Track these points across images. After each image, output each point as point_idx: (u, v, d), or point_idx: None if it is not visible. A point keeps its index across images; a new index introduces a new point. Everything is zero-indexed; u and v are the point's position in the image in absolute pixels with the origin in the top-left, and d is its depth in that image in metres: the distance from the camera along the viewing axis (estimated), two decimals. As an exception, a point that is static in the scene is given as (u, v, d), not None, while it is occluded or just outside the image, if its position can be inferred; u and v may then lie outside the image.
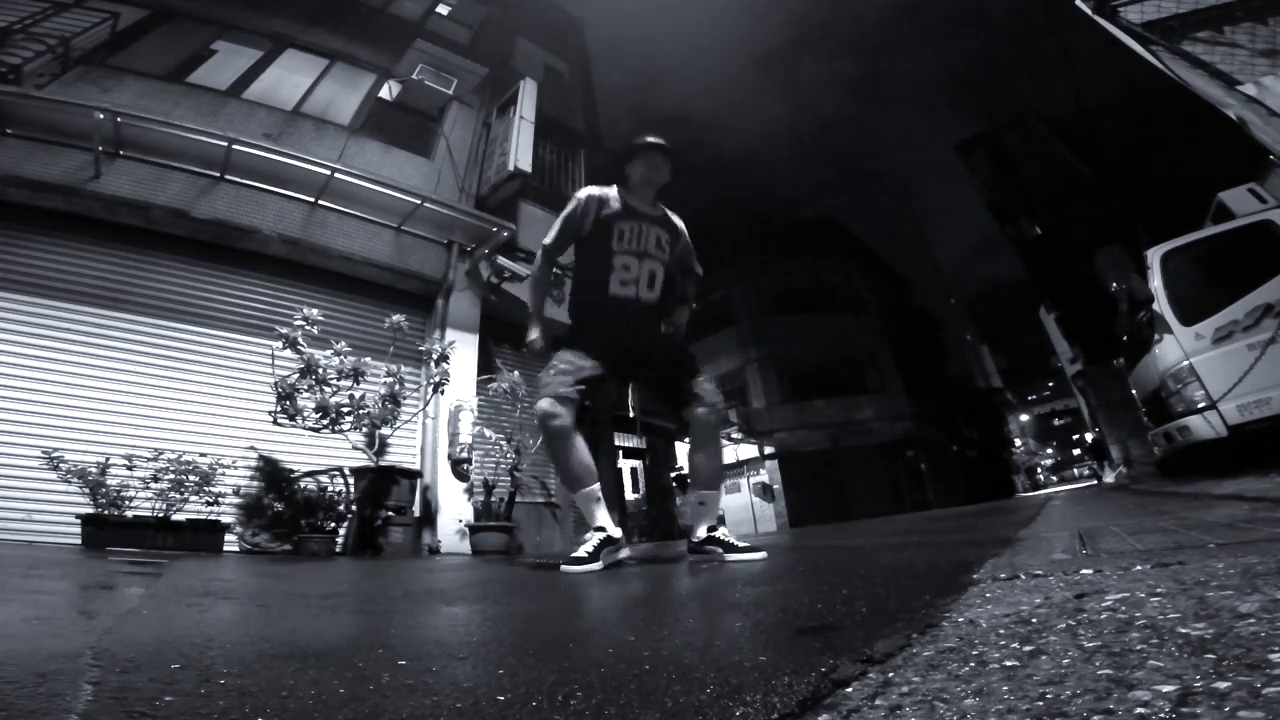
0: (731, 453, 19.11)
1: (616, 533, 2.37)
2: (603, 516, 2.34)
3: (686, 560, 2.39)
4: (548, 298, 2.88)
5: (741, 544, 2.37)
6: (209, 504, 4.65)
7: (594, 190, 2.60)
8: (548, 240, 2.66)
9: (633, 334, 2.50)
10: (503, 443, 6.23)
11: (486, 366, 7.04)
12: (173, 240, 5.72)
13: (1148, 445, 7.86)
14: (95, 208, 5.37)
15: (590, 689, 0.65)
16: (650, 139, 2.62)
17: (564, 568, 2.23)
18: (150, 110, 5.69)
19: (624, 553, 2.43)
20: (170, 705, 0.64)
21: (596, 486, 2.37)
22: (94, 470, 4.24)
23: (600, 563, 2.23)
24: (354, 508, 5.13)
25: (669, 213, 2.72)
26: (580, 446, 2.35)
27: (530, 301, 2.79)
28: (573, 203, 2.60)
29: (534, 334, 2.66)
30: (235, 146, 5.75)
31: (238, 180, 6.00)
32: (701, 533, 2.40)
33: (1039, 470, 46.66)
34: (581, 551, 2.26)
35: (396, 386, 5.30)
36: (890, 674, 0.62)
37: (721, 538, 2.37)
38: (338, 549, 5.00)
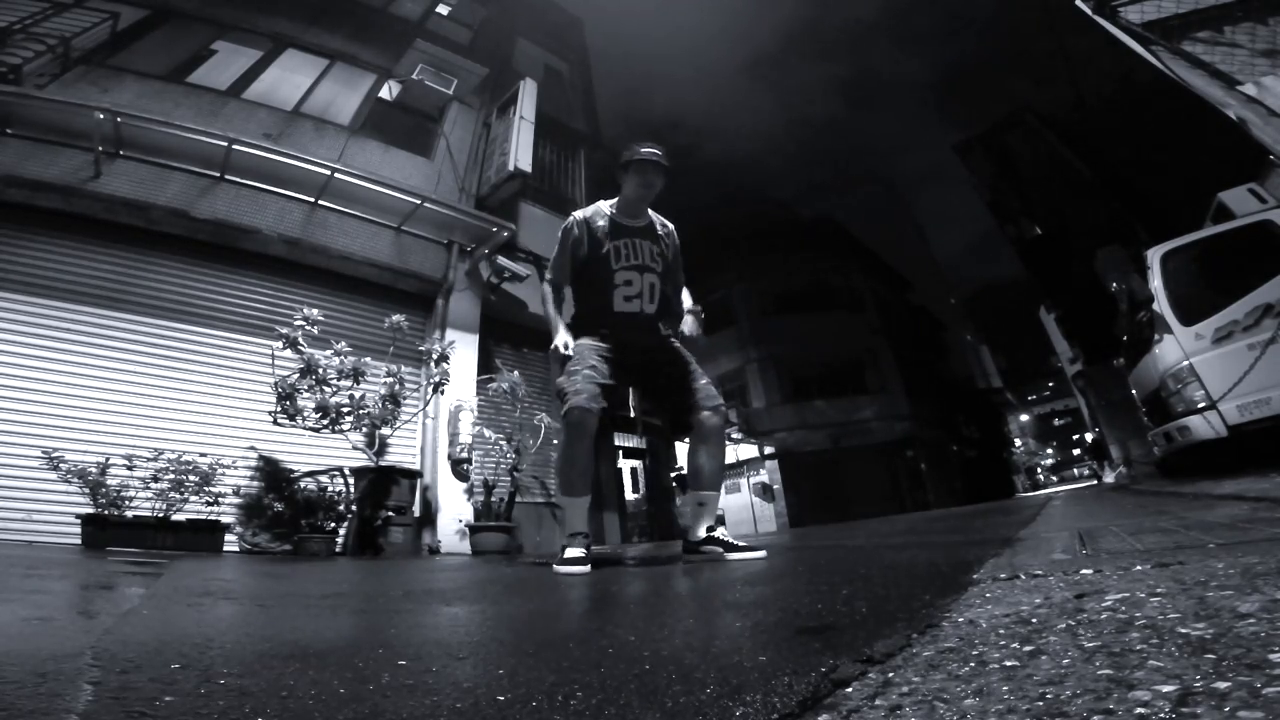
0: (731, 453, 19.10)
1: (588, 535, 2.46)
2: (584, 523, 2.41)
3: (686, 560, 2.38)
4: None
5: (740, 543, 2.37)
6: (209, 504, 4.64)
7: (581, 214, 2.60)
8: (551, 274, 2.64)
9: (640, 349, 2.51)
10: (503, 443, 6.23)
11: (486, 366, 7.04)
12: (173, 240, 5.72)
13: (1148, 445, 7.86)
14: (95, 208, 5.36)
15: (590, 689, 0.65)
16: (644, 151, 2.54)
17: (557, 569, 2.25)
18: (150, 110, 5.69)
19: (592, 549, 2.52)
20: (170, 705, 0.64)
21: (589, 498, 2.44)
22: (94, 470, 4.24)
23: (589, 565, 2.27)
24: (354, 508, 5.13)
25: (657, 219, 2.69)
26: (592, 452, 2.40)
27: (551, 322, 2.63)
28: (565, 232, 2.58)
29: (561, 337, 2.50)
30: (235, 146, 5.75)
31: (238, 180, 6.00)
32: (700, 533, 2.40)
33: (1039, 470, 46.64)
34: (574, 553, 2.28)
35: (396, 386, 5.30)
36: (890, 674, 0.62)
37: (720, 537, 2.38)
38: (338, 549, 5.00)
